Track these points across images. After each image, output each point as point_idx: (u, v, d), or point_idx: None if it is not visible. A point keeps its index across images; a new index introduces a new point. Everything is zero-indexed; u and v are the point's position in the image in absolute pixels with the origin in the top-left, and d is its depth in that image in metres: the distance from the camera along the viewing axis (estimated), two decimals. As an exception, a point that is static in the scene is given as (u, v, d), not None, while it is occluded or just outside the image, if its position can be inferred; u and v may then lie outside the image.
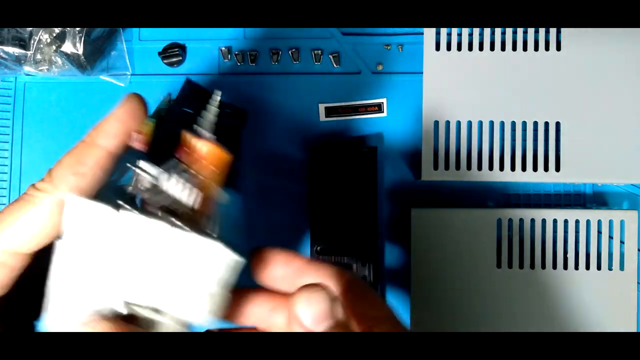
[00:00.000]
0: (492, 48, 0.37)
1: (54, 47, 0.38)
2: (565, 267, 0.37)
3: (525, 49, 0.37)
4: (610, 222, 0.36)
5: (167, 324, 0.25)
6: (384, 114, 0.40)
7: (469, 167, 0.36)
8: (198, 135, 0.24)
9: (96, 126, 0.24)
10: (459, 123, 0.37)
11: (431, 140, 0.37)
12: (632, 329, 0.36)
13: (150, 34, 0.42)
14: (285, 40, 0.41)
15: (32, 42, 0.38)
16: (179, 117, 0.26)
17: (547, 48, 0.36)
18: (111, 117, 0.24)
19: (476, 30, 0.37)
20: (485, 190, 0.40)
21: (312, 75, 0.41)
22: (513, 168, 0.36)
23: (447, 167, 0.37)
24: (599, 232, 0.36)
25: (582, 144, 0.36)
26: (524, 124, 0.37)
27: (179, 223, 0.23)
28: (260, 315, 0.27)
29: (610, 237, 0.36)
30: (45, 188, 0.23)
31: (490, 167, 0.36)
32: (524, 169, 0.36)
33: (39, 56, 0.38)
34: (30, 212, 0.23)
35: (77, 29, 0.38)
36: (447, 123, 0.37)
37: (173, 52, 0.40)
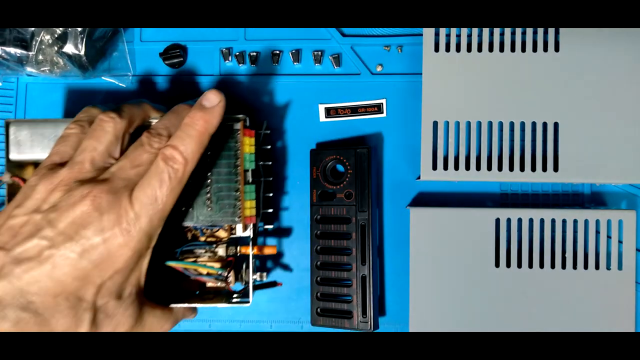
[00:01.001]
0: (490, 49, 0.37)
1: (56, 48, 0.38)
2: (564, 266, 0.37)
3: (523, 49, 0.37)
4: (609, 221, 0.37)
5: None
6: (384, 115, 0.40)
7: (467, 167, 0.37)
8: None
9: (206, 117, 0.31)
10: (457, 123, 0.37)
11: (430, 141, 0.37)
12: (631, 329, 0.36)
13: (152, 34, 0.42)
14: (286, 41, 0.41)
15: (33, 42, 0.38)
16: None
17: (545, 49, 0.37)
18: (218, 115, 0.32)
19: (475, 32, 0.37)
20: (483, 190, 0.40)
21: (313, 77, 0.41)
22: (511, 168, 0.37)
23: (445, 167, 0.37)
24: (597, 232, 0.37)
25: (580, 144, 0.36)
26: (522, 124, 0.37)
27: None
28: None
29: (609, 237, 0.37)
30: (185, 166, 0.31)
31: (489, 167, 0.37)
32: (522, 169, 0.36)
33: (40, 57, 0.39)
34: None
35: (79, 29, 0.38)
36: (446, 123, 0.37)
37: (174, 53, 0.41)
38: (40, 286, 0.27)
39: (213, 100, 0.32)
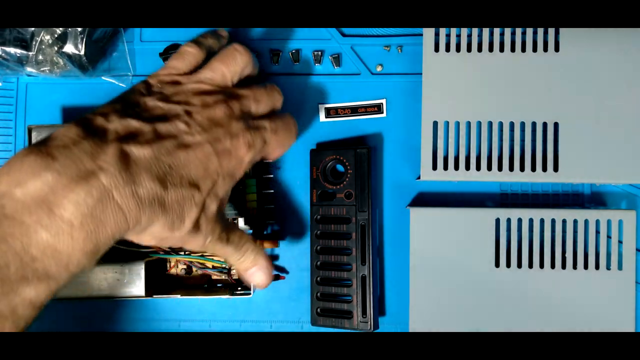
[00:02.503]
0: (490, 49, 0.37)
1: (56, 48, 0.38)
2: (564, 266, 0.37)
3: (523, 50, 0.37)
4: (609, 222, 0.37)
5: None
6: (384, 115, 0.40)
7: (467, 167, 0.37)
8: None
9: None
10: (457, 124, 0.37)
11: (430, 141, 0.37)
12: (631, 329, 0.36)
13: (152, 34, 0.42)
14: (286, 41, 0.41)
15: (33, 42, 0.38)
16: None
17: (545, 49, 0.37)
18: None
19: (475, 32, 0.37)
20: (483, 190, 0.40)
21: (312, 77, 0.41)
22: (511, 168, 0.37)
23: (445, 167, 0.37)
24: (597, 232, 0.37)
25: (580, 144, 0.36)
26: (522, 124, 0.37)
27: None
28: None
29: (609, 237, 0.37)
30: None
31: (489, 167, 0.37)
32: (522, 169, 0.36)
33: (40, 57, 0.39)
34: None
35: (79, 29, 0.38)
36: (446, 123, 0.37)
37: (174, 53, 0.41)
38: (174, 162, 0.29)
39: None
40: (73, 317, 0.41)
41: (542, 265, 0.37)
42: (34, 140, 0.37)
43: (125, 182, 0.26)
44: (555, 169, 0.36)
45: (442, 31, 0.37)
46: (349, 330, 0.38)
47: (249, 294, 0.37)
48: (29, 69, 0.39)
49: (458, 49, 0.37)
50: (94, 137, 0.27)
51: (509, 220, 0.37)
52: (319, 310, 0.39)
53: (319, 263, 0.39)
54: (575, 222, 0.37)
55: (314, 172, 0.39)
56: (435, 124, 0.37)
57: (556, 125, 0.36)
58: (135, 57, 0.42)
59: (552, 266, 0.37)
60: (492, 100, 0.37)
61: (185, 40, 0.41)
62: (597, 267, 0.37)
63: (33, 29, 0.38)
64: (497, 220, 0.37)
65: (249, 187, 0.37)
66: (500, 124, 0.37)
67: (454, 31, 0.37)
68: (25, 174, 0.25)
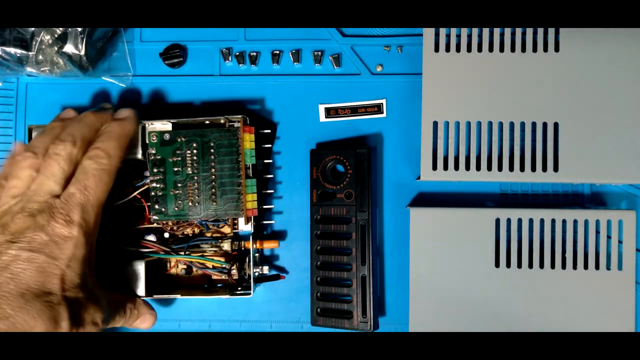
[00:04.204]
0: (490, 49, 0.37)
1: (56, 48, 0.38)
2: (564, 266, 0.37)
3: (524, 50, 0.37)
4: (609, 222, 0.37)
5: None
6: (384, 115, 0.40)
7: (467, 167, 0.37)
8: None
9: (120, 124, 0.36)
10: (457, 124, 0.37)
11: (430, 141, 0.37)
12: (631, 329, 0.36)
13: (152, 35, 0.42)
14: (286, 41, 0.41)
15: (34, 43, 0.38)
16: None
17: (545, 49, 0.37)
18: (131, 122, 0.36)
19: (475, 32, 0.37)
20: (483, 190, 0.40)
21: (313, 77, 0.41)
22: (511, 168, 0.37)
23: (445, 167, 0.37)
24: (597, 232, 0.37)
25: (580, 144, 0.36)
26: (522, 124, 0.37)
27: None
28: None
29: (609, 237, 0.37)
30: (108, 159, 0.34)
31: (489, 167, 0.37)
32: (522, 169, 0.36)
33: (40, 57, 0.39)
34: None
35: (79, 29, 0.38)
36: (446, 124, 0.37)
37: (174, 54, 0.41)
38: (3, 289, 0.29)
39: (125, 112, 0.36)
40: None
41: (542, 266, 0.37)
42: None
43: None
44: (555, 169, 0.36)
45: (442, 31, 0.37)
46: (349, 330, 0.38)
47: (249, 294, 0.37)
48: (29, 69, 0.39)
49: (458, 49, 0.37)
50: None
51: (509, 220, 0.37)
52: (319, 310, 0.39)
53: (319, 263, 0.39)
54: (575, 222, 0.37)
55: (314, 172, 0.39)
56: (435, 124, 0.37)
57: (556, 125, 0.36)
58: (135, 57, 0.42)
59: (552, 266, 0.37)
60: (492, 100, 0.37)
61: (185, 40, 0.42)
62: (597, 267, 0.37)
63: (33, 29, 0.38)
64: (497, 220, 0.37)
65: (248, 187, 0.37)
66: (500, 124, 0.37)
67: (454, 31, 0.37)
68: None
